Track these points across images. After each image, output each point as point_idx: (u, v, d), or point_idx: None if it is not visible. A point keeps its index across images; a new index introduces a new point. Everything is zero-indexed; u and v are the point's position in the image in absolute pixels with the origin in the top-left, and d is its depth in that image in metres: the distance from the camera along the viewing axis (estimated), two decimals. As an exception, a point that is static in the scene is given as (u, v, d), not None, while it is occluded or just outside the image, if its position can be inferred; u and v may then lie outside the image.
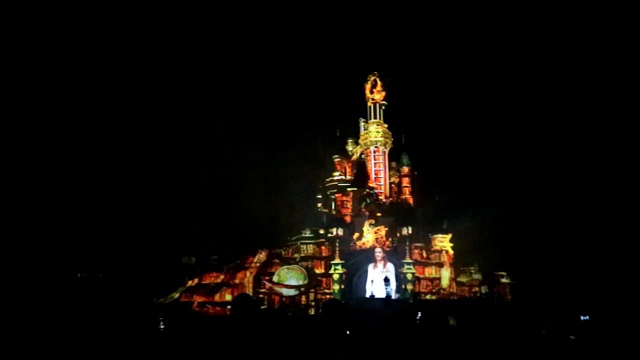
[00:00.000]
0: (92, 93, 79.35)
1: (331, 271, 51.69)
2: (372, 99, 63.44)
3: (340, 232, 54.43)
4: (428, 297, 51.10)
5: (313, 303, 50.84)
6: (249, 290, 52.63)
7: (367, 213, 56.13)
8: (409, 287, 50.38)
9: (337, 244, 52.60)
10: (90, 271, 66.23)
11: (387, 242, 53.92)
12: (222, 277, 57.39)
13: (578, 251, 62.64)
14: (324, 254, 54.30)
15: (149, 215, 72.97)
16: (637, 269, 57.02)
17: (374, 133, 62.22)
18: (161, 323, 21.94)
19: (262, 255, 56.95)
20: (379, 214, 55.98)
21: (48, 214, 67.89)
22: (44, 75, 76.48)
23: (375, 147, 61.90)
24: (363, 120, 65.42)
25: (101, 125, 78.18)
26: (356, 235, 55.22)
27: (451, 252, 55.76)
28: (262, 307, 43.19)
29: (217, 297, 54.11)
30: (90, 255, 67.49)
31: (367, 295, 49.10)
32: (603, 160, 72.31)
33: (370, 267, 51.66)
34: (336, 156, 65.23)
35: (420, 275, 52.92)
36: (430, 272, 53.82)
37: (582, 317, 39.95)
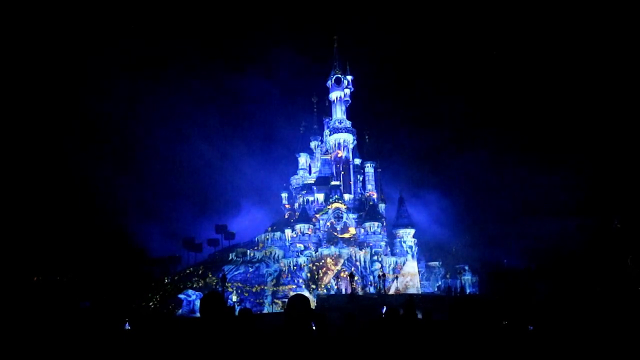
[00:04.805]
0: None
1: (297, 268, 51.60)
2: (336, 97, 63.62)
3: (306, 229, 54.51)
4: (393, 291, 51.63)
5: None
6: (214, 290, 52.09)
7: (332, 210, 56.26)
8: (374, 282, 50.83)
9: (303, 241, 52.52)
10: (46, 274, 63.80)
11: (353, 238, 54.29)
12: (186, 276, 56.47)
13: (536, 241, 64.50)
14: (290, 251, 54.14)
15: (110, 216, 71.23)
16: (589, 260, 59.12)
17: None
18: (127, 324, 21.45)
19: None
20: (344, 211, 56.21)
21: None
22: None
23: (339, 144, 62.12)
24: (327, 118, 65.54)
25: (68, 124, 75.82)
26: (321, 232, 55.23)
27: (415, 247, 56.52)
28: (229, 307, 42.75)
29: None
30: (46, 257, 65.05)
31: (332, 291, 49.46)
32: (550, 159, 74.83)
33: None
34: (301, 154, 65.14)
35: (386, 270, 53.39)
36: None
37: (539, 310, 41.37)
